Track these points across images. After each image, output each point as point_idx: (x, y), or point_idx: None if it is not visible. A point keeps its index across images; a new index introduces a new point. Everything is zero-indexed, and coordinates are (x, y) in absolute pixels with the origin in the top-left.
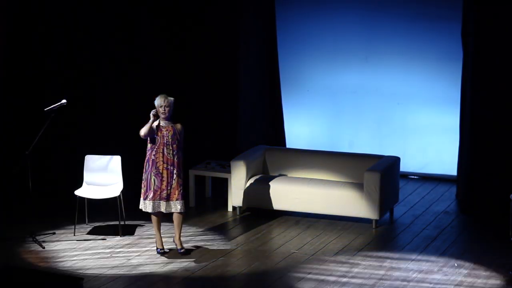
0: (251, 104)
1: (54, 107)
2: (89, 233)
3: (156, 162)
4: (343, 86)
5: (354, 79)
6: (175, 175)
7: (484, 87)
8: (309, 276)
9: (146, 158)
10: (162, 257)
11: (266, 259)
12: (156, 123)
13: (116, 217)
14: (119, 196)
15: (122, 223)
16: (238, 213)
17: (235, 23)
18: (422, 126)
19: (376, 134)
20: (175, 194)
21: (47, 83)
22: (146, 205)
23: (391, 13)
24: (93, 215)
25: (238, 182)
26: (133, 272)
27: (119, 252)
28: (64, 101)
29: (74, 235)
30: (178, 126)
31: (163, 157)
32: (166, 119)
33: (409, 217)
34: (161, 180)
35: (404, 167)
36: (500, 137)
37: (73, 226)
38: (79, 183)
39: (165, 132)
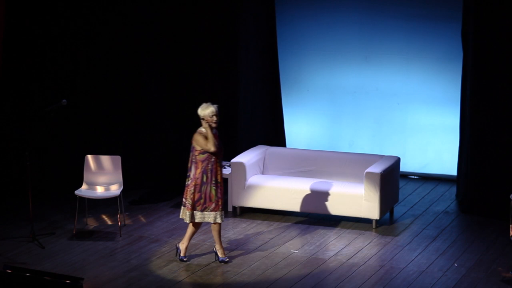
0: (251, 104)
1: (54, 107)
2: (89, 233)
3: (216, 173)
4: (343, 86)
5: (354, 79)
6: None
7: (484, 87)
8: (309, 276)
9: (203, 169)
10: (162, 257)
11: (266, 259)
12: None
13: (116, 217)
14: (119, 196)
15: (122, 223)
16: (238, 213)
17: (235, 23)
18: (422, 126)
19: (376, 134)
20: (221, 204)
21: (47, 83)
22: (204, 216)
23: (391, 13)
24: (93, 215)
25: (238, 182)
26: (133, 272)
27: (119, 252)
28: (64, 101)
29: (74, 235)
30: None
31: (219, 167)
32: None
33: (409, 217)
34: (221, 191)
35: (404, 167)
36: (500, 137)
37: (73, 226)
38: (79, 183)
39: (217, 142)
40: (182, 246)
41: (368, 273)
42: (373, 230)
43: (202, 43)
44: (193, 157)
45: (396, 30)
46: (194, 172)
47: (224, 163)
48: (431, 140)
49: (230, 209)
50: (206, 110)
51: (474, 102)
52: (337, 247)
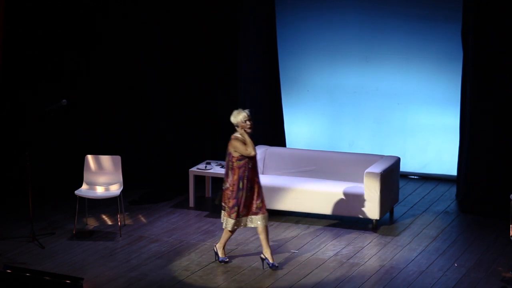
0: (251, 104)
1: (54, 107)
2: (89, 233)
3: (252, 179)
4: (343, 86)
5: (354, 79)
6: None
7: (484, 87)
8: (309, 276)
9: (239, 175)
10: (162, 257)
11: None
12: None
13: (116, 217)
14: (119, 196)
15: (122, 223)
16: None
17: (235, 24)
18: (422, 126)
19: (376, 134)
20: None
21: (47, 83)
22: (236, 222)
23: (391, 13)
24: (93, 215)
25: None
26: (133, 272)
27: (119, 252)
28: (64, 101)
29: (74, 235)
30: None
31: (255, 171)
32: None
33: (409, 217)
34: (253, 195)
35: (404, 167)
36: (500, 137)
37: (73, 226)
38: (79, 183)
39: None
40: (266, 254)
41: (368, 273)
42: (373, 230)
43: (202, 44)
44: (230, 163)
45: (396, 30)
46: (232, 178)
47: (224, 163)
48: (431, 140)
49: None
50: (238, 116)
51: (474, 102)
52: (337, 247)
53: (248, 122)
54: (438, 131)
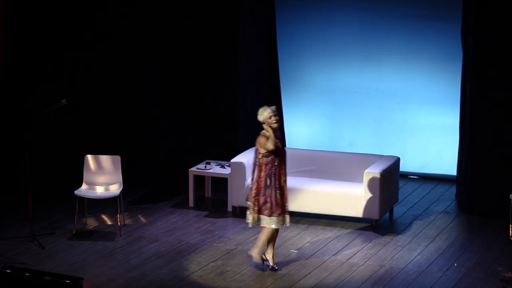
0: (251, 104)
1: (53, 107)
2: (89, 233)
3: (280, 176)
4: (343, 86)
5: (354, 79)
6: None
7: (484, 87)
8: (309, 276)
9: (266, 172)
10: (162, 257)
11: None
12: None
13: (116, 217)
14: (119, 196)
15: (121, 223)
16: (237, 213)
17: (235, 23)
18: (422, 126)
19: (376, 134)
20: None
21: (47, 83)
22: (273, 221)
23: (391, 13)
24: (92, 215)
25: (238, 182)
26: (133, 272)
27: (118, 252)
28: (64, 101)
29: (74, 235)
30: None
31: (282, 169)
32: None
33: (409, 217)
34: (283, 194)
35: (404, 167)
36: (500, 137)
37: (72, 226)
38: (79, 183)
39: (279, 144)
40: (269, 256)
41: (368, 273)
42: (373, 230)
43: (202, 44)
44: (257, 160)
45: (396, 30)
46: (258, 175)
47: (223, 163)
48: (431, 140)
49: (229, 209)
50: (264, 114)
51: (474, 102)
52: (337, 247)
53: (273, 118)
54: (438, 131)
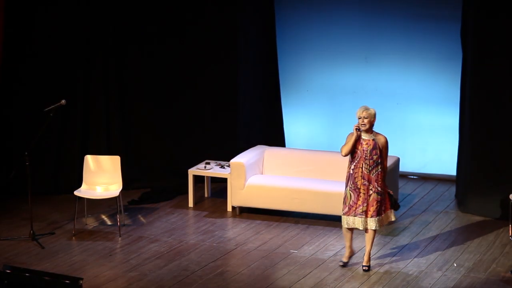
0: (250, 104)
1: (53, 107)
2: (89, 233)
3: (355, 177)
4: (342, 86)
5: (354, 79)
6: (371, 191)
7: (484, 87)
8: (309, 276)
9: (348, 173)
10: (162, 257)
11: (266, 259)
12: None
13: (115, 217)
14: (119, 196)
15: (121, 223)
16: (237, 213)
17: (234, 23)
18: (422, 126)
19: None
20: (369, 210)
21: (47, 83)
22: (343, 220)
23: (391, 13)
24: (92, 215)
25: (238, 182)
26: (132, 272)
27: (118, 252)
28: (63, 101)
29: (74, 235)
30: (382, 139)
31: (361, 172)
32: (366, 131)
33: (408, 217)
34: (358, 196)
35: (403, 167)
36: (500, 137)
37: (72, 226)
38: (79, 183)
39: (365, 146)
40: (345, 254)
41: (368, 273)
42: None
43: (202, 44)
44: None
45: (396, 30)
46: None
47: (223, 163)
48: (431, 140)
49: (229, 209)
50: (357, 112)
51: (474, 102)
52: (337, 247)
53: (359, 121)
54: (438, 131)
